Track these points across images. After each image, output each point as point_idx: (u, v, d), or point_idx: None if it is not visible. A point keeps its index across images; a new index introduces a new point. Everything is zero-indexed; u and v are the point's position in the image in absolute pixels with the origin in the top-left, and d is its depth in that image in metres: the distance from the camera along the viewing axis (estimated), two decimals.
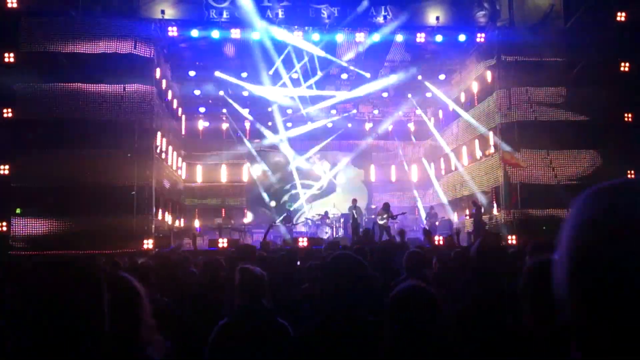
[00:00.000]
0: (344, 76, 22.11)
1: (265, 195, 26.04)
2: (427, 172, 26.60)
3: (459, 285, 5.02)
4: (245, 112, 24.88)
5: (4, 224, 15.83)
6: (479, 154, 21.16)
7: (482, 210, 18.64)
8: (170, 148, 21.52)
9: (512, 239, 16.42)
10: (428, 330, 2.47)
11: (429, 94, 23.61)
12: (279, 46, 19.02)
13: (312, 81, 21.66)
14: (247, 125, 26.15)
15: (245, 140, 26.05)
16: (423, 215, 24.79)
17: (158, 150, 18.56)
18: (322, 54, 19.37)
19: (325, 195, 26.85)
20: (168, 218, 21.03)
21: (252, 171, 26.42)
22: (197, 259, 8.66)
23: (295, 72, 21.29)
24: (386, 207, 19.39)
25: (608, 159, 17.78)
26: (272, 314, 3.81)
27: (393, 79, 21.77)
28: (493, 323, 3.22)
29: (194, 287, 6.08)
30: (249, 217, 25.06)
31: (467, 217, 19.77)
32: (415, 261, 5.59)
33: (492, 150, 19.62)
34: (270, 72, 21.26)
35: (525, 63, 18.10)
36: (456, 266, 6.14)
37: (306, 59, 20.24)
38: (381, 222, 18.84)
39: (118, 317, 1.98)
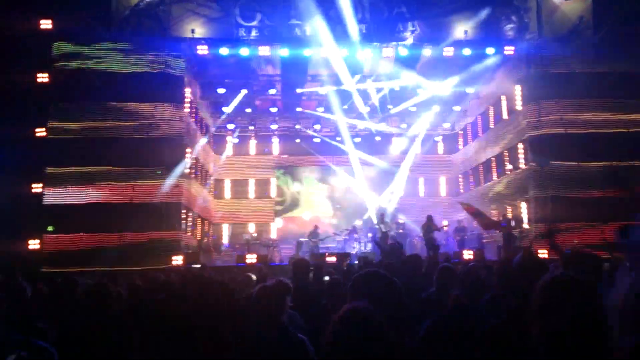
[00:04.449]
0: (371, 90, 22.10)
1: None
2: (456, 185, 26.40)
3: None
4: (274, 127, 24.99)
5: (37, 241, 16.10)
6: (508, 167, 20.89)
7: (512, 223, 18.34)
8: (199, 164, 21.71)
9: (543, 253, 16.11)
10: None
11: (456, 108, 23.48)
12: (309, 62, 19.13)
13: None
14: (275, 140, 26.24)
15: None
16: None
17: (187, 167, 18.74)
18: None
19: None
20: (197, 234, 21.16)
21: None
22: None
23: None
24: (429, 219, 18.13)
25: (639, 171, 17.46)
26: (287, 330, 3.73)
27: (421, 92, 21.66)
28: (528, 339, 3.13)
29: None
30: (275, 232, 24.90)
31: (497, 232, 19.45)
32: (446, 277, 5.53)
33: (522, 163, 19.38)
34: (299, 91, 21.38)
35: (554, 75, 17.91)
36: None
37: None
38: (427, 237, 17.79)
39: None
